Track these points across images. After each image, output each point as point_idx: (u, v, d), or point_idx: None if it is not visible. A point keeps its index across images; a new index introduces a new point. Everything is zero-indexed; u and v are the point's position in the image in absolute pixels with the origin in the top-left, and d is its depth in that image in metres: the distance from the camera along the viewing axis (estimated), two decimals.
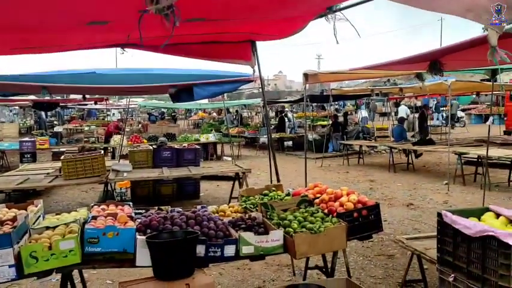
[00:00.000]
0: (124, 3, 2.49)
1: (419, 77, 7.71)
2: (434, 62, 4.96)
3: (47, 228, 3.47)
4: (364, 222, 3.93)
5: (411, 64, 5.59)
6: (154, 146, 9.83)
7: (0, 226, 3.42)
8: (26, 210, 4.00)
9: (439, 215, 3.35)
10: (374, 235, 4.28)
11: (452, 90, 11.52)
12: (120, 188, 8.97)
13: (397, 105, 25.41)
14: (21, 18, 2.96)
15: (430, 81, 10.24)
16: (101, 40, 4.12)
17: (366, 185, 10.66)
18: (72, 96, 19.67)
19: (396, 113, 23.20)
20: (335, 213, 3.92)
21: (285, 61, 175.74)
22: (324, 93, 20.26)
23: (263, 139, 18.42)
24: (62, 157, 8.20)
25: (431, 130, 21.23)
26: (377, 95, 15.99)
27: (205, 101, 20.41)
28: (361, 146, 14.96)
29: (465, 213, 3.29)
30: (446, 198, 8.98)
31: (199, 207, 4.33)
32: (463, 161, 10.44)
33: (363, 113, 23.04)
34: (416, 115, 24.75)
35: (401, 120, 15.74)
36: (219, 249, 3.40)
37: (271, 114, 27.66)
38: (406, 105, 24.69)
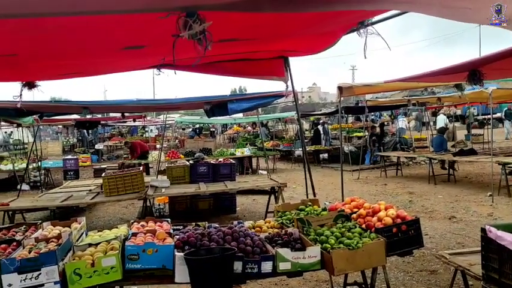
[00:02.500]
0: (158, 28, 2.59)
1: (458, 87, 7.49)
2: (474, 71, 4.81)
3: (90, 245, 3.59)
4: (404, 237, 3.83)
5: (449, 75, 5.44)
6: (191, 162, 9.99)
7: (45, 243, 3.58)
8: (69, 227, 4.16)
9: (483, 230, 3.23)
10: (415, 250, 4.17)
11: (494, 98, 11.10)
12: (159, 204, 9.17)
13: (435, 114, 24.76)
14: (68, 47, 3.13)
15: (470, 90, 9.94)
16: (138, 63, 4.27)
17: (405, 197, 10.39)
18: (111, 114, 20.35)
19: (434, 123, 22.57)
20: (373, 229, 3.85)
21: (319, 73, 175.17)
22: (359, 104, 19.99)
23: (298, 152, 18.33)
24: (103, 174, 8.46)
25: (472, 139, 20.53)
26: (414, 105, 15.61)
27: (240, 115, 20.58)
28: (399, 158, 14.62)
29: (511, 228, 3.15)
30: (490, 211, 8.62)
31: (235, 222, 4.36)
32: (507, 171, 10.00)
33: (400, 123, 22.54)
34: (457, 124, 24.05)
35: (442, 130, 15.28)
36: (256, 266, 3.41)
37: (306, 126, 27.50)
38: (444, 114, 24.00)
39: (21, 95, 4.90)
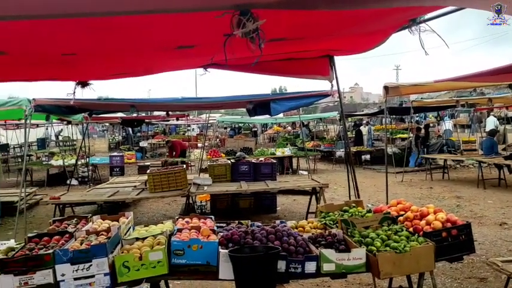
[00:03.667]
0: (210, 28, 2.63)
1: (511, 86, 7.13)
2: None
3: (137, 239, 3.68)
4: (454, 242, 3.69)
5: (504, 74, 5.18)
6: (232, 160, 10.07)
7: (96, 236, 3.70)
8: (118, 221, 4.29)
9: None
10: (464, 256, 4.01)
11: None
12: (201, 201, 9.30)
13: (487, 116, 23.74)
14: (124, 46, 3.23)
15: None
16: (188, 63, 4.34)
17: (452, 201, 10.02)
18: (155, 113, 20.85)
19: (484, 125, 21.60)
20: (421, 232, 3.74)
21: (361, 73, 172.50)
22: (403, 105, 19.44)
23: (339, 153, 18.08)
24: (148, 171, 8.68)
25: None
26: (463, 106, 14.99)
27: (280, 115, 20.53)
28: (445, 160, 14.11)
29: None
30: None
31: (278, 222, 4.34)
32: None
33: (447, 125, 21.74)
34: (508, 127, 22.92)
35: (492, 133, 14.59)
36: (300, 266, 3.38)
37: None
38: (495, 116, 22.95)
39: (74, 93, 5.12)
